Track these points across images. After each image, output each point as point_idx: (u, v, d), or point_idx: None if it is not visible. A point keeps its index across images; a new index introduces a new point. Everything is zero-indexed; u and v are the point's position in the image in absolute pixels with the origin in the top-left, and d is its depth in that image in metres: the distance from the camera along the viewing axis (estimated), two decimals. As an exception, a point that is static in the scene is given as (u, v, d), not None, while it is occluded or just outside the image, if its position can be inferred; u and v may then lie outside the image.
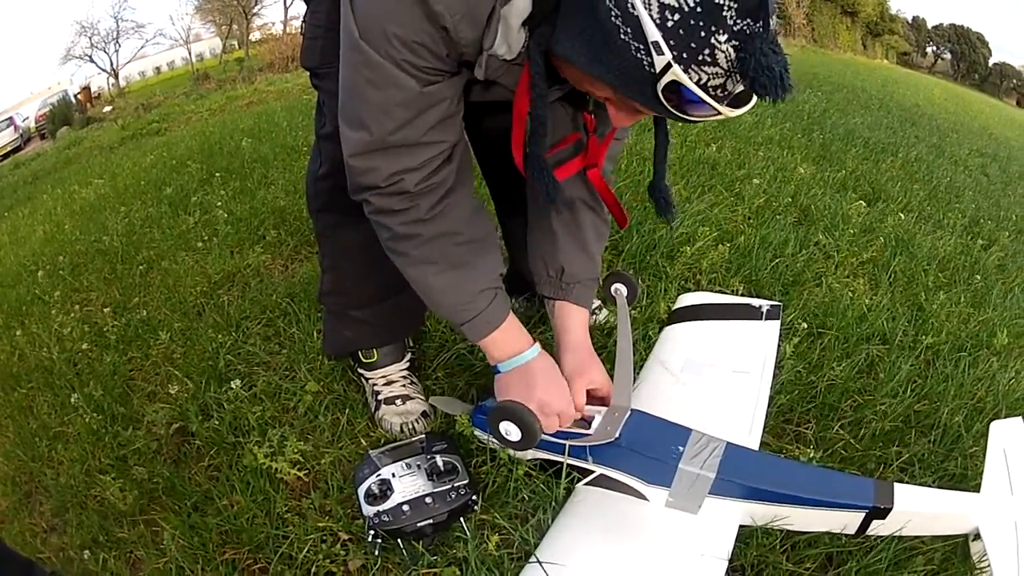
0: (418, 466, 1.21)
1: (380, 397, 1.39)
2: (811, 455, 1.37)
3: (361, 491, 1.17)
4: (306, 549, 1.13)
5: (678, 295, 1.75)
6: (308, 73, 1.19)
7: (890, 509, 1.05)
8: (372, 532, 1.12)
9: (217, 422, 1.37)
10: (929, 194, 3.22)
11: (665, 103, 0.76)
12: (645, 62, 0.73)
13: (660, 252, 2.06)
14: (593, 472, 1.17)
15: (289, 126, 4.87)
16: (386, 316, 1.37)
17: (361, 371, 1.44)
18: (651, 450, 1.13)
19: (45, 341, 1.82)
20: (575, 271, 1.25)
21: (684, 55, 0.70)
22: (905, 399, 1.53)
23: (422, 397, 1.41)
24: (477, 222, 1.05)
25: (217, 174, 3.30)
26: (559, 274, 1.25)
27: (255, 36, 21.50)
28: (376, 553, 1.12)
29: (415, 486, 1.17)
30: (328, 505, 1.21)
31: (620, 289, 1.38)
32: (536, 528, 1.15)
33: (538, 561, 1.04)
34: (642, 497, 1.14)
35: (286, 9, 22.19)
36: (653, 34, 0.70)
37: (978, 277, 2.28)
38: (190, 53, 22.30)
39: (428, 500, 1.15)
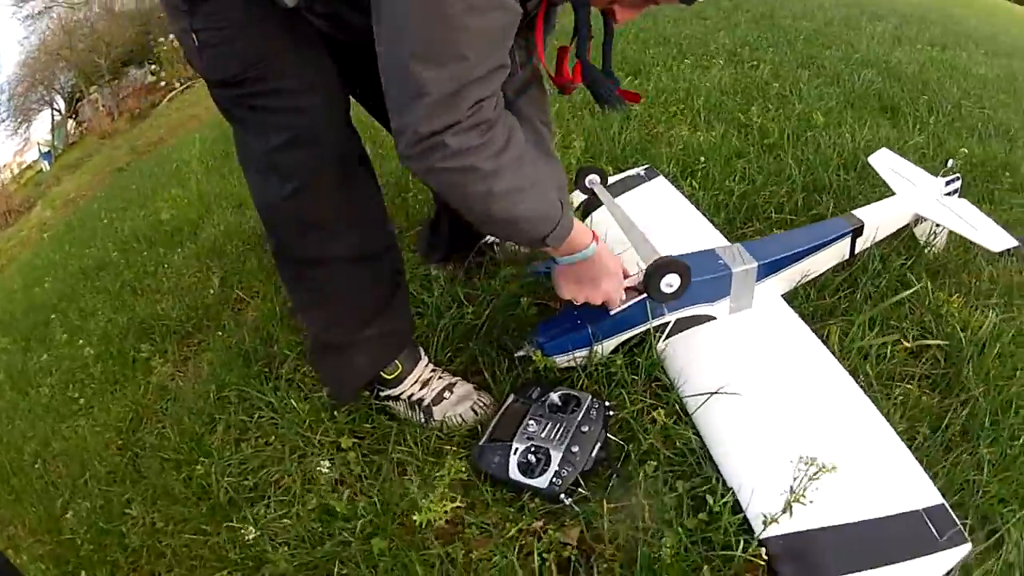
0: (540, 416, 1.11)
1: (426, 403, 1.22)
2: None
3: (515, 475, 1.04)
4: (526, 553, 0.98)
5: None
6: (218, 89, 1.01)
7: (863, 225, 1.37)
8: (562, 495, 1.01)
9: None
10: (679, 52, 3.50)
11: None
12: None
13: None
14: (667, 324, 1.22)
15: (60, 256, 4.36)
16: (394, 318, 1.21)
17: (389, 392, 1.24)
18: (706, 274, 1.21)
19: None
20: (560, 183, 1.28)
21: None
22: (794, 183, 1.84)
23: (461, 378, 1.28)
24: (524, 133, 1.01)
25: (49, 320, 2.70)
26: None
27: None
28: (577, 509, 1.02)
29: (561, 430, 1.08)
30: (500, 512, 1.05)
31: (594, 179, 1.47)
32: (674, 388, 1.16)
33: (713, 393, 1.09)
34: (711, 318, 1.25)
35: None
36: None
37: (774, 85, 2.71)
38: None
39: (584, 429, 1.08)
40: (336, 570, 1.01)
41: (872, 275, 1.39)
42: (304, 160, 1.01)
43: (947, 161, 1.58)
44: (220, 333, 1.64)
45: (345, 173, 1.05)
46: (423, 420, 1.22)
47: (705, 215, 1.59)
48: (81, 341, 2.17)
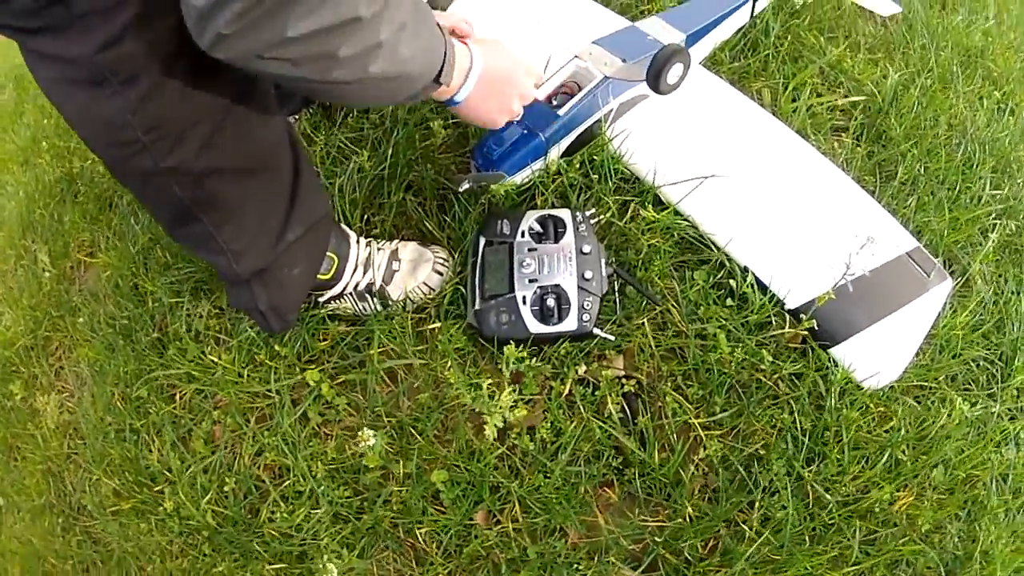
0: (529, 251, 0.95)
1: (377, 285, 1.01)
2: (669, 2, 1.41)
3: (536, 328, 0.90)
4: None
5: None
6: None
7: None
8: (594, 329, 0.90)
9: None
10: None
11: None
12: None
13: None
14: (610, 112, 1.07)
15: None
16: (310, 200, 0.91)
17: (330, 295, 1.01)
18: (641, 53, 1.04)
19: None
20: None
21: None
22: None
23: (405, 241, 1.06)
24: None
25: None
26: None
27: None
28: (611, 337, 0.93)
29: (561, 259, 0.93)
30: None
31: None
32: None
33: (704, 179, 1.02)
34: (645, 97, 1.11)
35: None
36: None
37: None
38: None
39: (585, 250, 0.95)
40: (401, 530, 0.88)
41: (773, 36, 1.33)
42: (155, 40, 0.65)
43: None
44: (80, 319, 1.22)
45: None
46: (381, 307, 1.02)
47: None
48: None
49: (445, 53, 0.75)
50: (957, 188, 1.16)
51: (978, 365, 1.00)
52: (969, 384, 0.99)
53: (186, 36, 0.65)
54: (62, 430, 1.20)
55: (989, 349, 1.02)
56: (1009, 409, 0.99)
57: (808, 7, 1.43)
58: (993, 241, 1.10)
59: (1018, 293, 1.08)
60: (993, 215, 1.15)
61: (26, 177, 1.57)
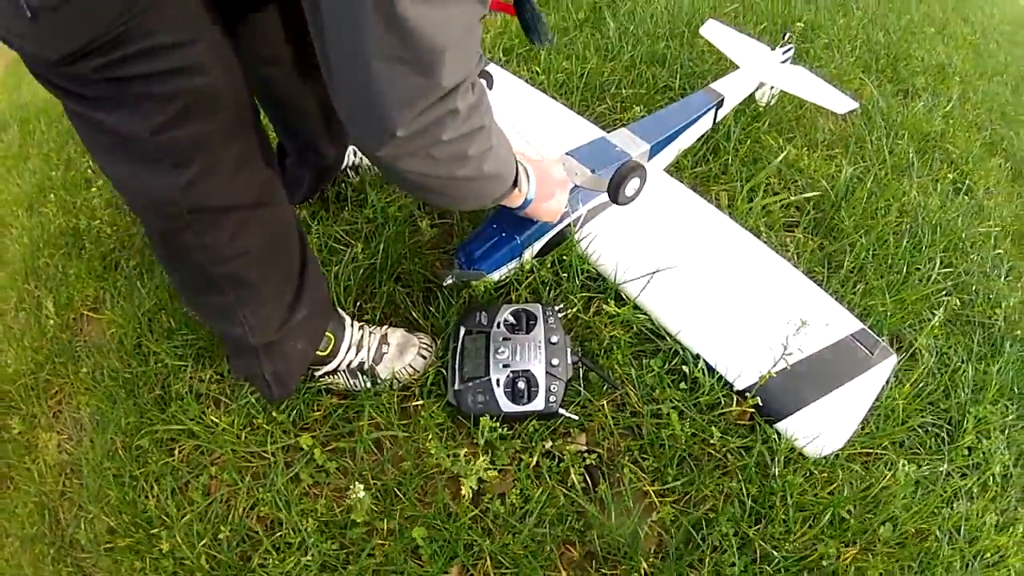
0: (503, 340, 1.09)
1: (367, 364, 1.13)
2: (639, 111, 1.59)
3: (508, 407, 1.04)
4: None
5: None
6: (60, 68, 0.68)
7: (723, 99, 1.46)
8: (559, 409, 1.04)
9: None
10: None
11: None
12: None
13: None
14: (579, 217, 1.23)
15: None
16: (315, 286, 1.05)
17: (325, 370, 1.13)
18: (609, 163, 1.19)
19: None
20: None
21: None
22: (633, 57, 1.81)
23: (394, 328, 1.19)
24: None
25: None
26: None
27: None
28: (575, 416, 1.06)
29: (532, 348, 1.08)
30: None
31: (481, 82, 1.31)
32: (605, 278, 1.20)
33: (653, 274, 1.17)
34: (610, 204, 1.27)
35: None
36: None
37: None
38: None
39: (553, 340, 1.09)
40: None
41: (734, 141, 1.52)
42: (204, 133, 0.76)
43: (785, 33, 1.71)
44: (83, 369, 1.30)
45: (249, 135, 0.83)
46: (370, 384, 1.14)
47: (560, 101, 1.57)
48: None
49: (518, 163, 0.95)
50: (905, 271, 1.31)
51: (926, 430, 1.12)
52: (917, 448, 1.10)
53: (235, 127, 0.79)
54: (59, 468, 1.26)
55: (936, 415, 1.14)
56: (960, 467, 1.09)
57: (768, 110, 1.62)
58: (939, 316, 1.22)
59: (966, 361, 1.21)
60: (944, 292, 1.29)
61: (31, 223, 1.63)
